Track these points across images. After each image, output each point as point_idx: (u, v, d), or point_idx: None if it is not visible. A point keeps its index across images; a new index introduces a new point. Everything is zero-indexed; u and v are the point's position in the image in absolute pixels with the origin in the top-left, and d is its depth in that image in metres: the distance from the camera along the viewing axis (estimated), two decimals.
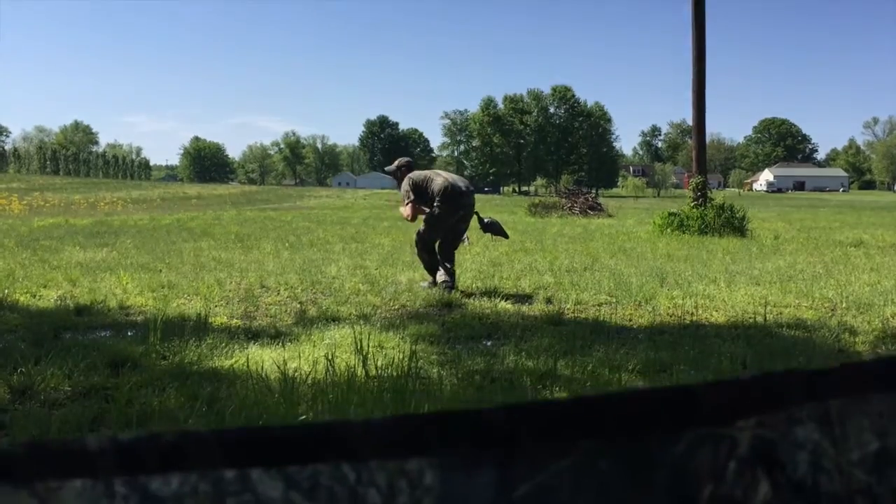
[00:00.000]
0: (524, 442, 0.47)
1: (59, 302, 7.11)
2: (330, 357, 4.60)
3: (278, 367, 4.46)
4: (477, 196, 8.26)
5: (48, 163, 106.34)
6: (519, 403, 0.48)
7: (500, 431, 0.47)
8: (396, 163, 8.24)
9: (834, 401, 0.55)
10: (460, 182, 7.87)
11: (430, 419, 0.47)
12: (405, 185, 7.73)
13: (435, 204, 7.66)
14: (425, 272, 8.17)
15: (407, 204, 7.66)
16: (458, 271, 8.62)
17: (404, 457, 0.46)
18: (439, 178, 7.80)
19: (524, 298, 7.51)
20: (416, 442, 0.46)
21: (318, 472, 0.45)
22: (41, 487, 0.42)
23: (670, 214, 17.31)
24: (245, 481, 0.45)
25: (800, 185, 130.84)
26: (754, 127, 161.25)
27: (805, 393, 0.55)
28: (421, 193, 7.69)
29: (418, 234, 7.95)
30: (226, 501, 0.44)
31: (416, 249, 8.12)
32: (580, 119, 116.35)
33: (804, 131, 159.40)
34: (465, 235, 13.07)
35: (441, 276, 7.83)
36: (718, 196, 18.55)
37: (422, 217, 7.82)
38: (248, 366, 4.66)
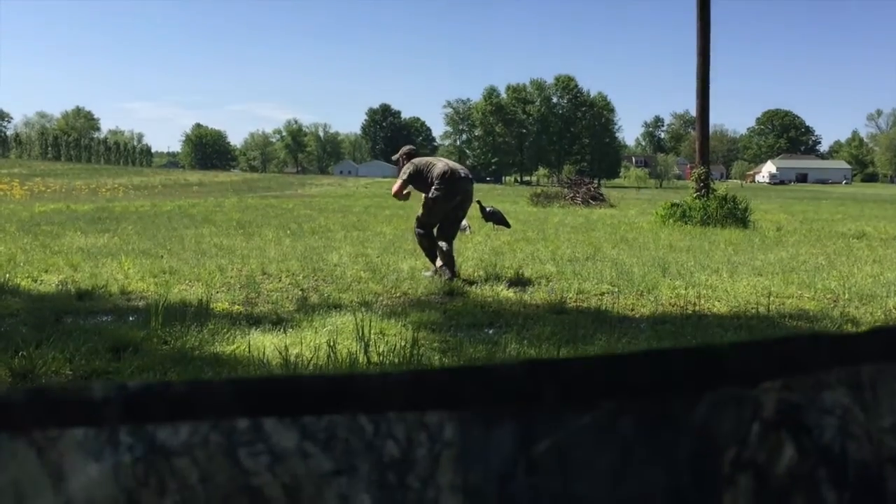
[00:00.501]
0: (544, 398, 0.46)
1: (60, 287, 7.10)
2: (332, 343, 4.60)
3: (280, 353, 4.45)
4: (479, 186, 8.42)
5: (49, 148, 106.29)
6: (539, 360, 0.47)
7: (520, 387, 0.46)
8: (400, 151, 8.37)
9: (865, 366, 0.53)
10: (459, 169, 8.03)
11: (450, 373, 0.46)
12: (406, 168, 7.92)
13: (434, 188, 7.76)
14: (427, 261, 8.25)
15: (399, 183, 7.97)
16: (459, 259, 8.73)
17: (423, 410, 0.45)
18: (440, 163, 7.99)
19: (526, 287, 7.50)
20: (435, 395, 0.45)
21: (335, 423, 0.44)
22: (40, 436, 0.41)
23: (673, 205, 17.28)
24: (258, 431, 0.43)
25: (802, 177, 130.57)
26: (757, 118, 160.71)
27: (834, 357, 0.53)
28: (422, 179, 7.84)
29: (417, 219, 8.05)
30: (237, 452, 0.43)
31: (416, 237, 8.23)
32: (583, 109, 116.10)
33: (807, 123, 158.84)
34: (466, 224, 13.12)
35: (440, 262, 7.92)
36: (721, 187, 18.50)
37: (421, 203, 7.98)
38: (249, 351, 4.65)
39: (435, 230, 8.00)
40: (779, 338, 0.52)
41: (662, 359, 0.49)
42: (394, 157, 8.49)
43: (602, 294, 7.19)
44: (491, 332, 5.59)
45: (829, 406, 0.53)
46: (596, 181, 43.69)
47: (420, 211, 7.98)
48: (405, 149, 8.38)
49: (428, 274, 7.94)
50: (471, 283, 7.63)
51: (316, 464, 0.43)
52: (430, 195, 7.79)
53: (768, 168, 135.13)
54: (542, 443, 0.46)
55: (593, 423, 0.47)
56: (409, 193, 8.05)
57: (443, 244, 7.91)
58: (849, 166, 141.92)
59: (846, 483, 0.53)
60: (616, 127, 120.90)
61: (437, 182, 7.75)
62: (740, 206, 16.82)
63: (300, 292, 7.05)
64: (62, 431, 0.41)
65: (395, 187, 8.05)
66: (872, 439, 0.54)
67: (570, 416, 0.46)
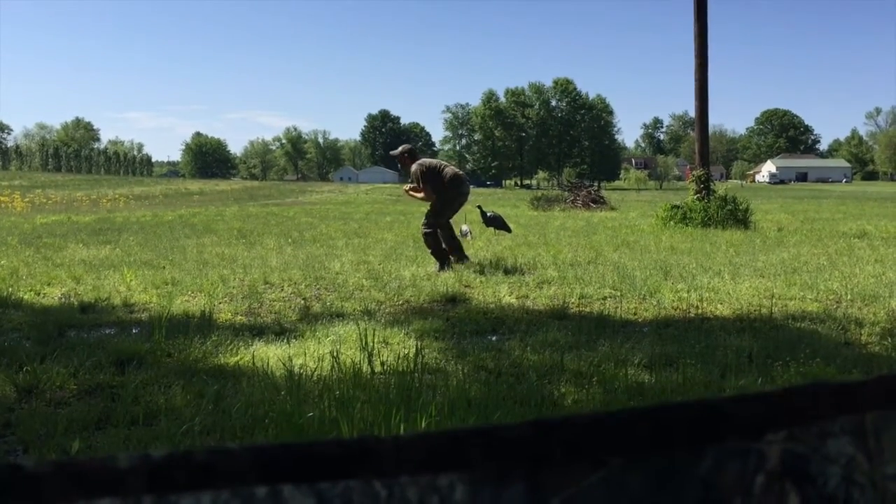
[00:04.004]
0: (554, 457, 0.47)
1: (63, 300, 7.11)
2: (335, 353, 4.61)
3: (284, 364, 4.46)
4: (480, 190, 9.30)
5: (50, 160, 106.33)
6: (548, 418, 0.47)
7: (529, 446, 0.47)
8: (401, 148, 9.28)
9: (869, 413, 0.54)
10: (460, 172, 9.21)
11: (460, 435, 0.47)
12: (416, 169, 8.85)
13: (447, 189, 8.82)
14: (434, 259, 9.03)
15: (423, 187, 8.90)
16: (460, 266, 8.98)
17: (435, 472, 0.46)
18: (449, 167, 9.09)
19: (528, 293, 7.50)
20: (446, 457, 0.46)
21: (350, 488, 0.45)
22: None
23: (673, 207, 17.27)
24: (277, 498, 0.44)
25: (802, 177, 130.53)
26: (756, 118, 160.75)
27: (838, 405, 0.54)
28: (434, 178, 8.85)
29: (428, 221, 8.91)
30: None
31: (424, 238, 9.04)
32: (582, 112, 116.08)
33: (806, 122, 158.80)
34: (468, 229, 13.14)
35: (451, 259, 8.92)
36: (721, 188, 18.50)
37: (431, 206, 8.97)
38: (253, 363, 4.66)
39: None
40: (782, 389, 0.53)
41: (667, 413, 0.50)
42: (394, 153, 9.35)
43: (604, 299, 7.20)
44: (494, 338, 5.60)
45: (833, 455, 0.54)
46: (596, 184, 43.66)
47: (431, 213, 8.91)
48: (406, 147, 9.27)
49: (436, 269, 8.78)
50: (473, 288, 7.64)
51: None
52: (439, 200, 8.82)
53: (768, 168, 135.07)
54: (552, 501, 0.47)
55: (601, 481, 0.48)
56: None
57: (446, 237, 8.96)
58: (849, 165, 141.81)
59: None
60: (615, 129, 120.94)
61: (448, 185, 8.81)
62: (741, 207, 16.82)
63: (302, 301, 7.06)
64: (89, 503, 0.42)
65: (426, 194, 8.89)
66: (877, 486, 0.54)
67: (578, 474, 0.47)
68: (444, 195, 8.86)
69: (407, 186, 9.33)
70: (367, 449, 0.45)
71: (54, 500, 0.42)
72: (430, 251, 9.08)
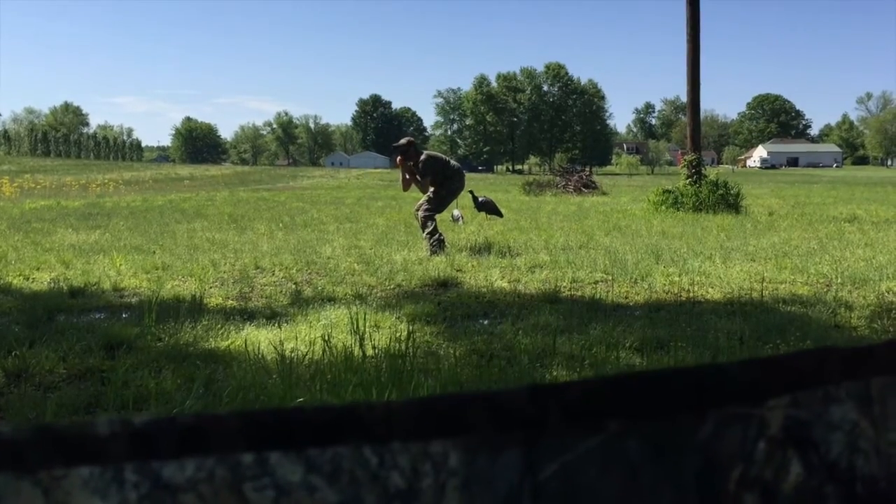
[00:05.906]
0: (550, 422, 0.46)
1: (52, 284, 7.07)
2: (326, 337, 4.59)
3: (275, 348, 4.44)
4: (471, 175, 9.43)
5: (39, 144, 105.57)
6: (544, 384, 0.46)
7: (525, 412, 0.45)
8: (404, 140, 9.41)
9: (875, 379, 0.53)
10: (459, 165, 9.71)
11: (453, 400, 0.46)
12: (426, 158, 9.15)
13: (450, 181, 9.21)
14: (426, 242, 9.19)
15: (423, 178, 9.15)
16: (453, 250, 9.13)
17: (428, 439, 0.44)
18: (451, 161, 9.57)
19: (520, 277, 7.50)
20: (439, 424, 0.45)
21: (340, 455, 0.44)
22: (45, 475, 0.40)
23: (665, 192, 17.27)
24: (263, 465, 0.43)
25: (793, 161, 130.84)
26: (748, 103, 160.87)
27: (843, 371, 0.52)
28: (443, 170, 9.18)
29: (428, 209, 9.16)
30: (243, 486, 0.42)
31: (422, 222, 9.25)
32: (574, 97, 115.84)
33: (797, 107, 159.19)
34: (459, 214, 13.13)
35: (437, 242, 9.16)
36: (712, 173, 18.52)
37: (433, 193, 9.21)
38: (244, 347, 4.64)
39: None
40: (787, 354, 0.52)
41: (667, 379, 0.48)
42: (398, 144, 9.33)
43: (596, 282, 7.20)
44: (486, 322, 5.59)
45: (837, 421, 0.53)
46: (588, 169, 43.63)
47: (432, 200, 9.15)
48: (410, 139, 9.45)
49: (428, 254, 8.87)
50: (464, 272, 7.64)
51: (321, 497, 0.43)
52: (444, 188, 9.16)
53: (759, 153, 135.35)
54: (547, 468, 0.46)
55: (598, 446, 0.47)
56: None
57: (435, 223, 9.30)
58: (839, 150, 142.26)
59: (854, 499, 0.52)
60: (607, 114, 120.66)
61: (453, 176, 9.24)
62: (732, 192, 16.84)
63: (294, 286, 7.03)
64: (68, 470, 0.41)
65: (423, 187, 9.15)
66: (881, 453, 0.53)
67: (576, 440, 0.46)
68: (449, 185, 9.22)
69: (400, 159, 9.22)
70: (356, 415, 0.44)
71: (33, 468, 0.40)
72: (424, 233, 9.19)
